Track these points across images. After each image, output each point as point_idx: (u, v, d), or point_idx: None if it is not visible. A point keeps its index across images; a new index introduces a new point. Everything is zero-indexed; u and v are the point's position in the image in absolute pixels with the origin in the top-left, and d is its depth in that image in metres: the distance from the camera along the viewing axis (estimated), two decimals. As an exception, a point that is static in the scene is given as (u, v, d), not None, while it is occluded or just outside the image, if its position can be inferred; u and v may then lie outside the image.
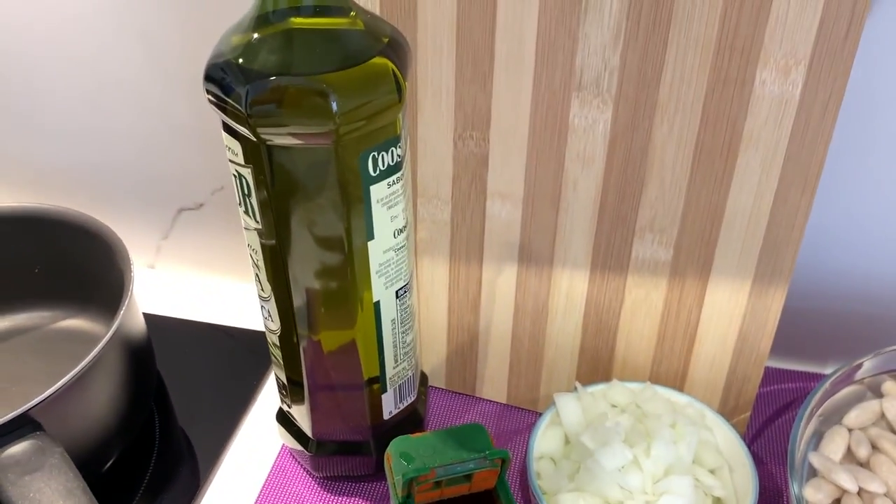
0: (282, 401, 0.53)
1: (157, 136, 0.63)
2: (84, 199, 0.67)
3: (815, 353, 0.61)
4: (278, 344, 0.48)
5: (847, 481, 0.43)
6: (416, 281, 0.55)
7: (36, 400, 0.44)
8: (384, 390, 0.49)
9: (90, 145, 0.65)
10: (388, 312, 0.46)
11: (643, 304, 0.50)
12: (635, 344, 0.52)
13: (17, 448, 0.41)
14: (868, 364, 0.48)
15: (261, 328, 0.65)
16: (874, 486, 0.43)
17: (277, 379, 0.51)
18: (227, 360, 0.63)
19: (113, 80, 0.61)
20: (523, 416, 0.57)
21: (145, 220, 0.68)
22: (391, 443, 0.42)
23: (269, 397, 0.60)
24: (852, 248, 0.56)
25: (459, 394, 0.59)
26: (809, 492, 0.43)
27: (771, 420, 0.57)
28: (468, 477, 0.40)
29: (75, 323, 0.63)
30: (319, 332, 0.45)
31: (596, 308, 0.51)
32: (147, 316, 0.57)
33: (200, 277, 0.71)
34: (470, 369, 0.58)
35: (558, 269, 0.51)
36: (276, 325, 0.47)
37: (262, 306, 0.47)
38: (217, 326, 0.66)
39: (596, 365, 0.54)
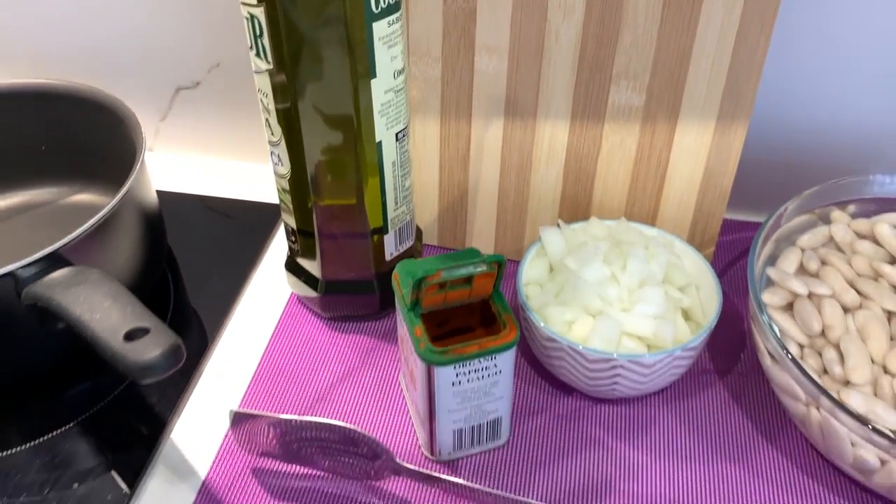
0: (290, 248, 0.57)
1: (153, 12, 0.65)
2: (81, 81, 0.70)
3: (772, 205, 0.66)
4: (287, 189, 0.52)
5: (799, 286, 0.49)
6: (411, 140, 0.59)
7: (64, 240, 0.48)
8: (386, 231, 0.54)
9: (87, 25, 0.67)
10: (389, 154, 0.50)
11: (618, 149, 0.55)
12: (611, 188, 0.57)
13: (58, 273, 0.45)
14: (817, 191, 0.54)
15: (263, 200, 0.70)
16: (821, 290, 0.49)
17: (286, 226, 0.55)
18: (231, 230, 0.67)
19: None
20: (510, 266, 0.62)
21: (143, 101, 0.71)
22: (397, 265, 0.47)
23: (274, 259, 0.64)
24: (806, 101, 0.61)
25: (451, 249, 0.64)
26: (767, 296, 0.49)
27: (732, 263, 0.63)
28: (468, 281, 0.45)
29: (85, 197, 0.66)
30: (326, 172, 0.50)
31: (576, 156, 0.56)
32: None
33: (200, 158, 0.74)
34: (460, 225, 0.62)
35: (541, 120, 0.56)
36: (285, 168, 0.51)
37: (271, 152, 0.51)
38: (219, 199, 0.70)
39: (576, 212, 0.59)
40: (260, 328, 0.58)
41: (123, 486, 0.48)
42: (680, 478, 0.49)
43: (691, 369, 0.55)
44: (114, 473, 0.49)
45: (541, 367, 0.55)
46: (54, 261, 0.47)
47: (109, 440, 0.51)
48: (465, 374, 0.45)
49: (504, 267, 0.44)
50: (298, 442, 0.47)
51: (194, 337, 0.58)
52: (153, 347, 0.37)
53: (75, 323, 0.39)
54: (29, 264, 0.46)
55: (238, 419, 0.47)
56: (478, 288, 0.45)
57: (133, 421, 0.52)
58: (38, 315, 0.46)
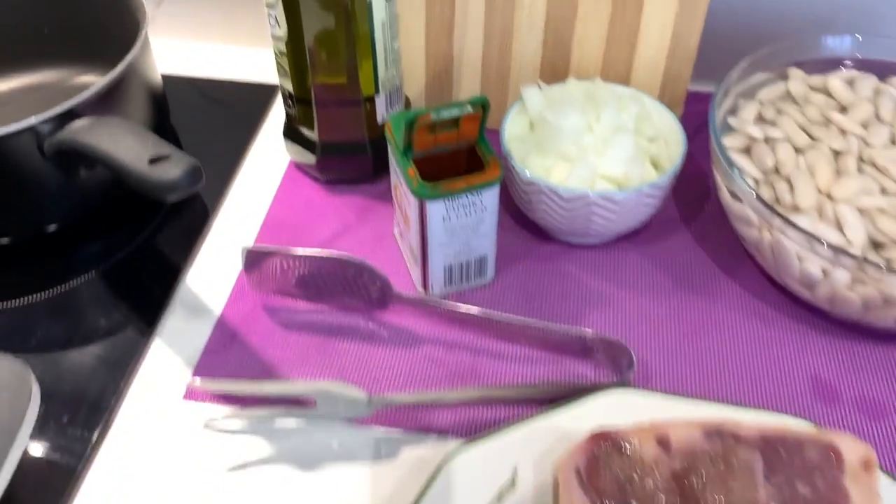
0: (287, 115, 0.61)
1: None
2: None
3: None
4: (284, 51, 0.56)
5: (756, 131, 0.54)
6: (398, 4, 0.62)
7: (80, 97, 0.52)
8: (377, 92, 0.58)
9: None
10: (379, 13, 0.54)
11: (593, 12, 0.59)
12: (587, 53, 0.61)
13: (79, 122, 0.49)
14: (774, 50, 0.58)
15: (259, 81, 0.73)
16: (776, 133, 0.54)
17: (283, 90, 0.59)
18: (229, 110, 0.71)
19: None
20: (494, 135, 0.66)
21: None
22: (390, 116, 0.51)
23: (271, 134, 0.68)
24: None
25: (437, 121, 0.68)
26: (727, 140, 0.54)
27: (699, 129, 0.67)
28: (456, 124, 0.49)
29: (90, 79, 0.69)
30: (321, 31, 0.53)
31: (554, 21, 0.60)
32: (157, 58, 0.64)
33: (195, 43, 0.77)
34: (446, 95, 0.66)
35: (521, -12, 0.59)
36: (282, 30, 0.54)
37: (269, 14, 0.55)
38: (216, 81, 0.73)
39: (555, 77, 0.63)
40: (261, 193, 0.63)
41: (143, 325, 0.53)
42: (648, 307, 0.54)
43: (659, 217, 0.60)
44: (135, 315, 0.54)
45: (523, 218, 0.59)
46: (73, 116, 0.51)
47: (129, 286, 0.56)
48: (454, 209, 0.50)
49: (488, 109, 0.48)
50: (305, 277, 0.52)
51: (198, 203, 0.62)
52: (175, 168, 0.41)
53: (102, 156, 0.43)
54: (49, 119, 0.50)
55: (250, 257, 0.52)
56: (465, 131, 0.50)
57: (149, 269, 0.57)
58: (61, 165, 0.50)
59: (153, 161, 0.42)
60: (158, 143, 0.43)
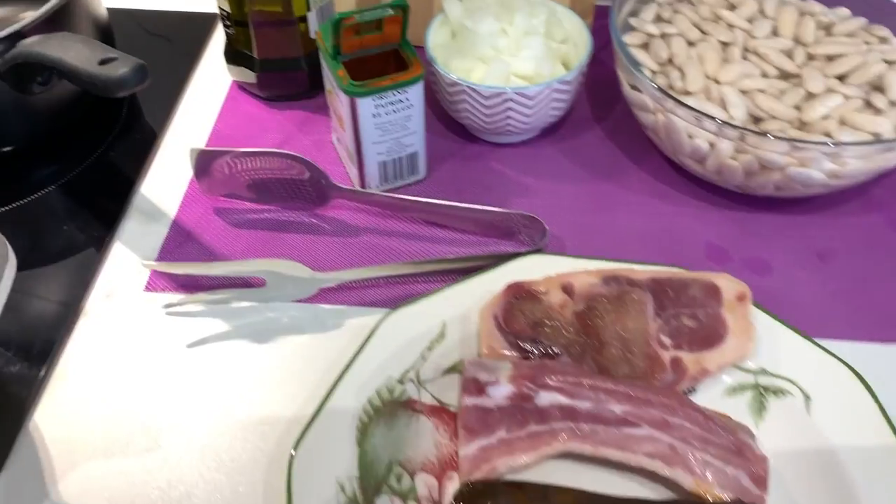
0: (227, 36, 0.65)
1: None
2: None
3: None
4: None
5: (653, 28, 0.60)
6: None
7: (29, 19, 0.55)
8: (309, 9, 0.62)
9: None
10: (306, -69, 0.58)
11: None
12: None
13: (30, 38, 0.53)
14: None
15: (202, 10, 0.76)
16: (671, 30, 0.60)
17: (221, 12, 0.63)
18: (173, 37, 0.75)
19: None
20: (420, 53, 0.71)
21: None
22: (320, 27, 0.56)
23: (214, 56, 0.72)
24: None
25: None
26: (627, 38, 0.60)
27: (609, 41, 0.73)
28: (379, 26, 0.54)
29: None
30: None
31: (470, -61, 0.65)
32: None
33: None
34: (376, 17, 0.71)
35: None
36: (216, -49, 0.58)
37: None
38: (158, 12, 0.77)
39: None
40: (206, 112, 0.67)
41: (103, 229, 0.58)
42: (563, 193, 0.60)
43: (572, 116, 0.66)
44: (94, 221, 0.58)
45: (452, 123, 0.65)
46: (22, 36, 0.54)
47: (86, 198, 0.60)
48: (382, 106, 0.55)
49: (408, 12, 0.53)
50: (252, 179, 0.57)
51: (146, 124, 0.67)
52: (123, 67, 0.45)
53: (54, 62, 0.48)
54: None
55: (199, 159, 0.57)
56: (388, 33, 0.55)
57: (105, 183, 0.61)
58: (14, 83, 0.54)
59: (102, 63, 0.46)
60: (106, 48, 0.47)
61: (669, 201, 0.60)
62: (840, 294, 0.54)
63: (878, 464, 0.42)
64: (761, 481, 0.41)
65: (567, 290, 0.48)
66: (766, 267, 0.56)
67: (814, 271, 0.55)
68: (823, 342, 0.48)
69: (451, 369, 0.48)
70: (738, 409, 0.46)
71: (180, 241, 0.57)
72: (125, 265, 0.56)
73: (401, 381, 0.46)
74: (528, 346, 0.46)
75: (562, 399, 0.43)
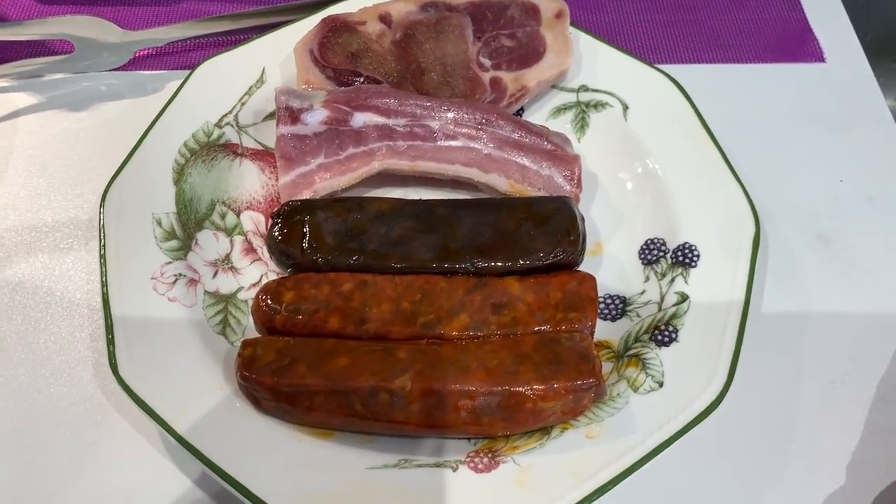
0: None
1: None
2: None
3: None
4: None
5: None
6: None
7: None
8: None
9: None
10: None
11: None
12: None
13: None
14: None
15: None
16: None
17: None
18: None
19: None
20: None
21: None
22: None
23: None
24: None
25: None
26: None
27: None
28: None
29: None
30: None
31: None
32: None
33: None
34: None
35: None
36: None
37: None
38: None
39: None
40: None
41: None
42: None
43: None
44: None
45: None
46: None
47: None
48: None
49: None
50: None
51: None
52: None
53: None
54: None
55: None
56: None
57: None
58: None
59: None
60: None
61: None
62: (669, 23, 0.54)
63: (688, 160, 0.44)
64: (574, 178, 0.42)
65: (384, 19, 0.47)
66: (600, 4, 0.56)
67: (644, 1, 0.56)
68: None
69: (273, 115, 0.47)
70: (563, 128, 0.46)
71: (-17, 21, 0.53)
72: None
73: (219, 125, 0.45)
74: (346, 79, 0.45)
75: (378, 118, 0.42)
